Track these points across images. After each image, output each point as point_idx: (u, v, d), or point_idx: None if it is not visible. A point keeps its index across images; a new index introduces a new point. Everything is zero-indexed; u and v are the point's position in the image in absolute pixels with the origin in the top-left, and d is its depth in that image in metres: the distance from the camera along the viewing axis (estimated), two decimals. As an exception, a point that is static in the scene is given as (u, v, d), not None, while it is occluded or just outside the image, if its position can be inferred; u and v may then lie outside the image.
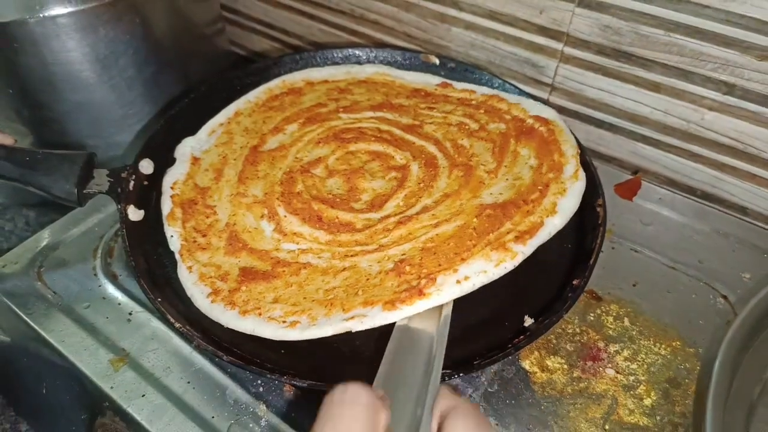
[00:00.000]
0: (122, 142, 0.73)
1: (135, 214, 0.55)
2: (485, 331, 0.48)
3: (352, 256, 0.52)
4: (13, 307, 0.57)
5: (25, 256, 0.62)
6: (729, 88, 0.60)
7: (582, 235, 0.56)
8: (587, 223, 0.56)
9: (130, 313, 0.56)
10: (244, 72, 0.71)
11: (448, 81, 0.70)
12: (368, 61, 0.74)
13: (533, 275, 0.52)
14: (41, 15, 0.59)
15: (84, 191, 0.54)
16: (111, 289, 0.58)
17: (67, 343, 0.54)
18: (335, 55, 0.74)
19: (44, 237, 0.64)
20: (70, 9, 0.60)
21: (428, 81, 0.71)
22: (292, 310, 0.47)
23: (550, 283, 0.52)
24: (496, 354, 0.44)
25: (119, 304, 0.57)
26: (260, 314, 0.47)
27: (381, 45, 0.84)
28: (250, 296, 0.49)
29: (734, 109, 0.61)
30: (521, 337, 0.46)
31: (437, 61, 0.73)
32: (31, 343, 0.57)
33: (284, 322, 0.46)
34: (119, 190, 0.55)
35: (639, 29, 0.61)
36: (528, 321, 0.48)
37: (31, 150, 0.54)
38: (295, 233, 0.54)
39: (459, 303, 0.50)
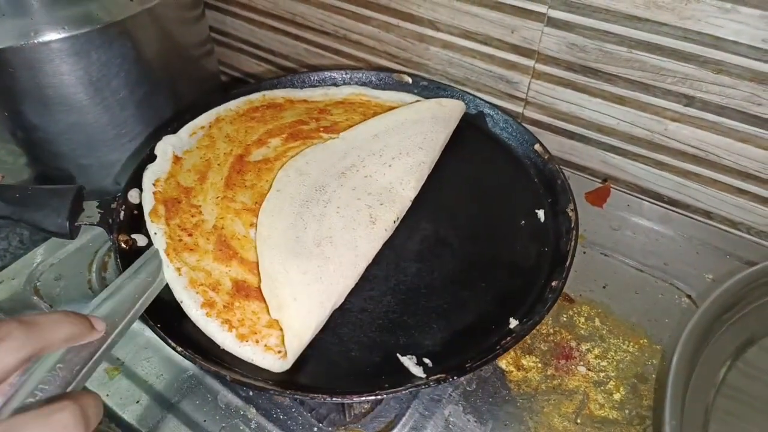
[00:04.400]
0: (115, 161, 0.75)
1: (142, 241, 0.57)
2: (474, 336, 0.51)
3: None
4: (11, 321, 0.59)
5: (21, 272, 0.64)
6: (689, 100, 0.64)
7: (557, 239, 0.59)
8: (561, 228, 0.59)
9: (125, 324, 0.58)
10: (225, 98, 0.73)
11: (421, 99, 0.74)
12: (344, 83, 0.77)
13: (515, 280, 0.56)
14: (35, 41, 0.61)
15: (75, 224, 0.55)
16: (105, 302, 0.61)
17: (64, 355, 0.56)
18: (312, 78, 0.77)
19: (40, 253, 0.67)
20: (63, 35, 0.63)
21: (403, 99, 0.74)
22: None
23: (531, 286, 0.55)
24: (487, 356, 0.47)
25: (113, 315, 0.59)
26: (257, 341, 0.47)
27: (364, 64, 0.88)
28: (244, 315, 0.49)
29: (695, 120, 0.65)
30: (508, 338, 0.49)
31: (410, 80, 0.76)
32: (28, 356, 0.59)
33: (279, 352, 0.47)
34: (110, 220, 0.56)
35: (603, 47, 0.65)
36: (513, 323, 0.51)
37: (20, 186, 0.56)
38: None
39: (447, 310, 0.53)
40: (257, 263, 0.53)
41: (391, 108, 0.72)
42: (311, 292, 0.49)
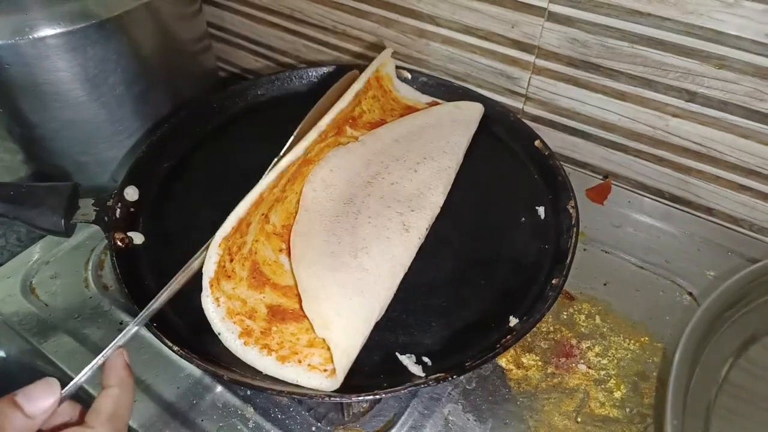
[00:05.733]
0: (112, 158, 0.75)
1: (138, 239, 0.56)
2: (474, 334, 0.50)
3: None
4: (7, 320, 0.59)
5: (18, 270, 0.64)
6: (691, 96, 0.63)
7: (558, 236, 0.58)
8: (562, 225, 0.59)
9: (121, 323, 0.58)
10: (223, 95, 0.74)
11: (437, 100, 0.73)
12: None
13: (516, 277, 0.55)
14: (31, 37, 0.61)
15: (71, 222, 0.54)
16: (102, 300, 0.60)
17: (60, 354, 0.55)
18: (310, 73, 0.76)
19: (36, 251, 0.66)
20: (59, 30, 0.62)
21: (418, 99, 0.73)
22: (328, 355, 0.46)
23: (531, 284, 0.54)
24: (486, 354, 0.46)
25: (110, 314, 0.59)
26: (300, 362, 0.45)
27: (363, 60, 0.87)
28: (283, 338, 0.47)
29: (696, 116, 0.64)
30: (508, 336, 0.48)
31: (409, 76, 0.75)
32: (25, 356, 0.59)
33: (325, 371, 0.45)
34: (106, 218, 0.56)
35: (605, 42, 0.65)
36: (513, 321, 0.51)
37: (15, 184, 0.55)
38: None
39: (447, 308, 0.52)
40: (290, 286, 0.51)
41: (408, 106, 0.72)
42: (354, 306, 0.48)
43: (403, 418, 0.51)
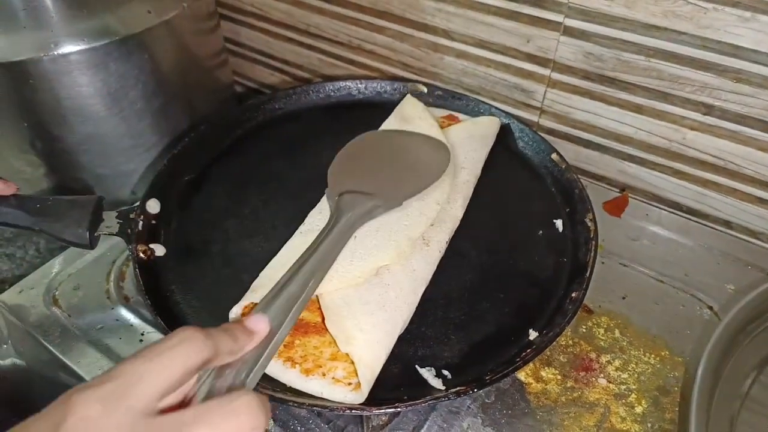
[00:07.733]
0: (131, 171, 0.76)
1: (159, 250, 0.57)
2: (493, 347, 0.50)
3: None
4: (30, 331, 0.59)
5: (40, 282, 0.64)
6: (708, 109, 0.63)
7: (576, 249, 0.58)
8: (580, 238, 0.59)
9: (142, 334, 0.59)
10: (240, 109, 0.75)
11: (455, 114, 0.74)
12: (359, 93, 0.77)
13: (534, 291, 0.55)
14: (55, 53, 0.62)
15: (95, 234, 0.55)
16: (123, 311, 0.61)
17: (83, 364, 0.56)
18: (327, 88, 0.77)
19: (58, 263, 0.67)
20: (82, 47, 0.63)
21: (433, 112, 0.73)
22: (352, 369, 0.46)
23: (550, 297, 0.54)
24: (506, 368, 0.46)
25: (131, 325, 0.60)
26: (324, 375, 0.46)
27: (378, 74, 0.88)
28: (306, 351, 0.47)
29: (714, 129, 0.64)
30: (528, 350, 0.48)
31: (425, 89, 0.76)
32: (47, 366, 0.59)
33: (349, 384, 0.45)
34: (129, 231, 0.56)
35: (620, 55, 0.65)
36: (533, 335, 0.50)
37: (41, 197, 0.56)
38: None
39: (466, 321, 0.52)
40: (312, 300, 0.51)
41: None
42: (376, 321, 0.48)
43: (422, 431, 0.50)
